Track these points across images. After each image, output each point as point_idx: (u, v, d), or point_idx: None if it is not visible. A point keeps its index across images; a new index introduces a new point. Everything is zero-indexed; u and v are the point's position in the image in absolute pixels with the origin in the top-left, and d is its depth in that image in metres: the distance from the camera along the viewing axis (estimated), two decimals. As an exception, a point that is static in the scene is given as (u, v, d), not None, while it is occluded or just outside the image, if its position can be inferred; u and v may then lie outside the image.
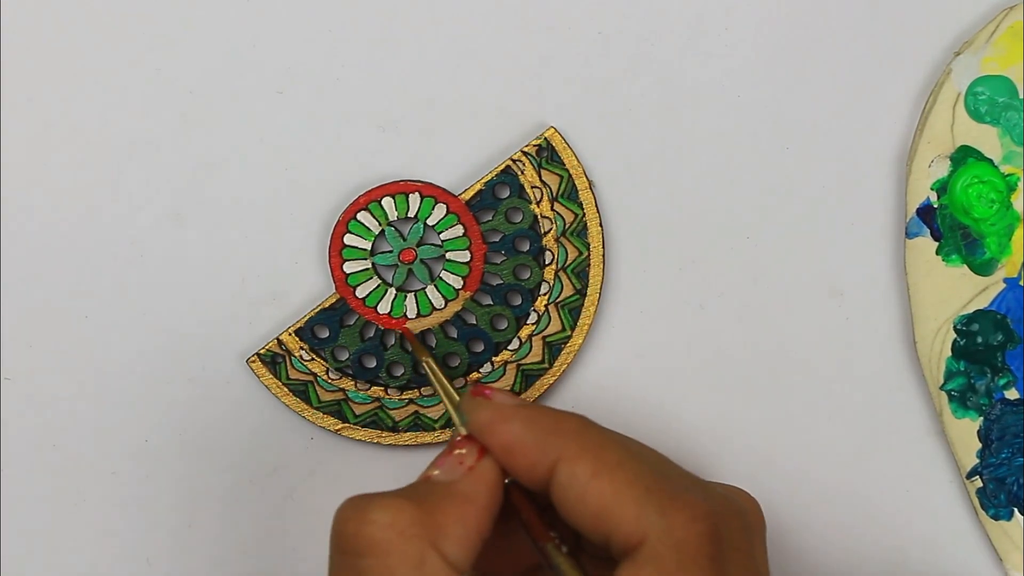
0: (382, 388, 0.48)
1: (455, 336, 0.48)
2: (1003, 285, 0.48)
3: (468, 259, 0.48)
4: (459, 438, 0.40)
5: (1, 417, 0.49)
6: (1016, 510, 0.48)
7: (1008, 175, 0.48)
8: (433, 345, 0.48)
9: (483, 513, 0.39)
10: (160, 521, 0.49)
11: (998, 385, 0.48)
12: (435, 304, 0.48)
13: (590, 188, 0.49)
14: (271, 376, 0.48)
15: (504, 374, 0.48)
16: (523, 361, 0.48)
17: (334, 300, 0.48)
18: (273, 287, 0.49)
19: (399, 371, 0.49)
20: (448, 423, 0.49)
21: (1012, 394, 0.48)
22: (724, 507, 0.39)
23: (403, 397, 0.48)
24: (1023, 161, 0.48)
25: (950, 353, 0.48)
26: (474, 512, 0.38)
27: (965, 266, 0.48)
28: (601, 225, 0.49)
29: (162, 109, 0.49)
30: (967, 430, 0.48)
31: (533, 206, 0.48)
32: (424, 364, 0.45)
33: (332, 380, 0.48)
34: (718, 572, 0.37)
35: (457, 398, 0.43)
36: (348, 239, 0.48)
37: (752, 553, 0.39)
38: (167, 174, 0.49)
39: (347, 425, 0.48)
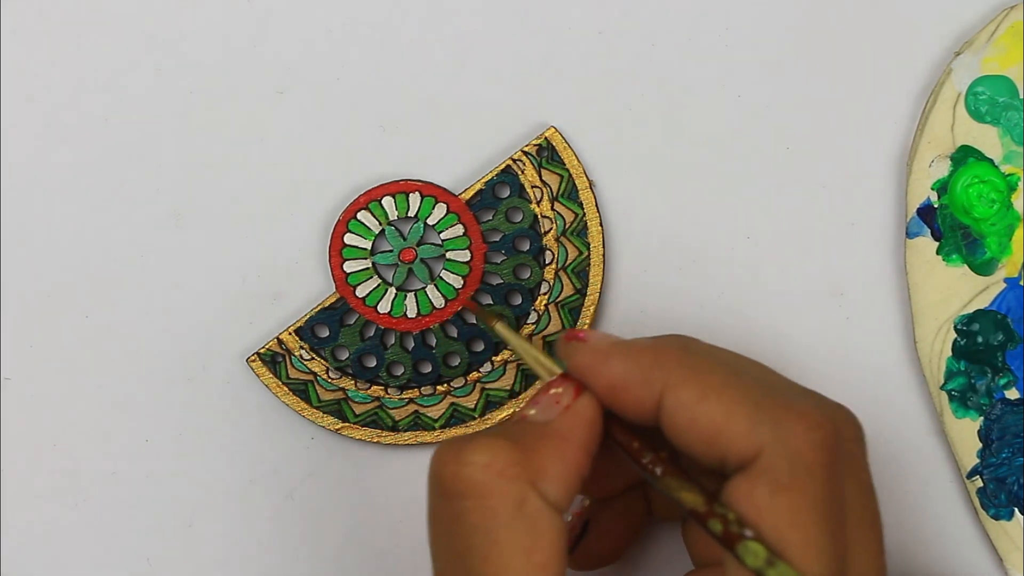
0: (382, 387, 0.48)
1: (455, 335, 0.48)
2: (1003, 285, 0.48)
3: (468, 259, 0.48)
4: (554, 378, 0.40)
5: (1, 417, 0.49)
6: (1017, 510, 0.48)
7: (1008, 175, 0.48)
8: (433, 344, 0.48)
9: (581, 452, 0.38)
10: (160, 521, 0.49)
11: (998, 385, 0.48)
12: (435, 303, 0.48)
13: (590, 188, 0.49)
14: (271, 375, 0.48)
15: (504, 373, 0.48)
16: (523, 361, 0.48)
17: (334, 299, 0.48)
18: (273, 287, 0.49)
19: (399, 370, 0.49)
20: (449, 422, 0.49)
21: (1012, 394, 0.48)
22: (838, 415, 0.38)
23: (403, 396, 0.48)
24: (1023, 161, 0.48)
25: (950, 353, 0.48)
26: (572, 451, 0.38)
27: (965, 266, 0.48)
28: (601, 225, 0.49)
29: (162, 109, 0.49)
30: (967, 430, 0.48)
31: (533, 206, 0.48)
32: (497, 330, 0.44)
33: (332, 379, 0.48)
34: (832, 480, 0.37)
35: (538, 353, 0.42)
36: (348, 238, 0.48)
37: (864, 463, 0.39)
38: (167, 174, 0.49)
39: (347, 424, 0.48)
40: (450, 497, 0.37)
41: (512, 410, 0.49)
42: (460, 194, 0.48)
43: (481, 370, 0.48)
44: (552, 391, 0.40)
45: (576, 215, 0.48)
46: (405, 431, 0.48)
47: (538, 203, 0.48)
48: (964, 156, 0.48)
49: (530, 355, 0.43)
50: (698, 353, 0.39)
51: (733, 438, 0.37)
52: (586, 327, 0.48)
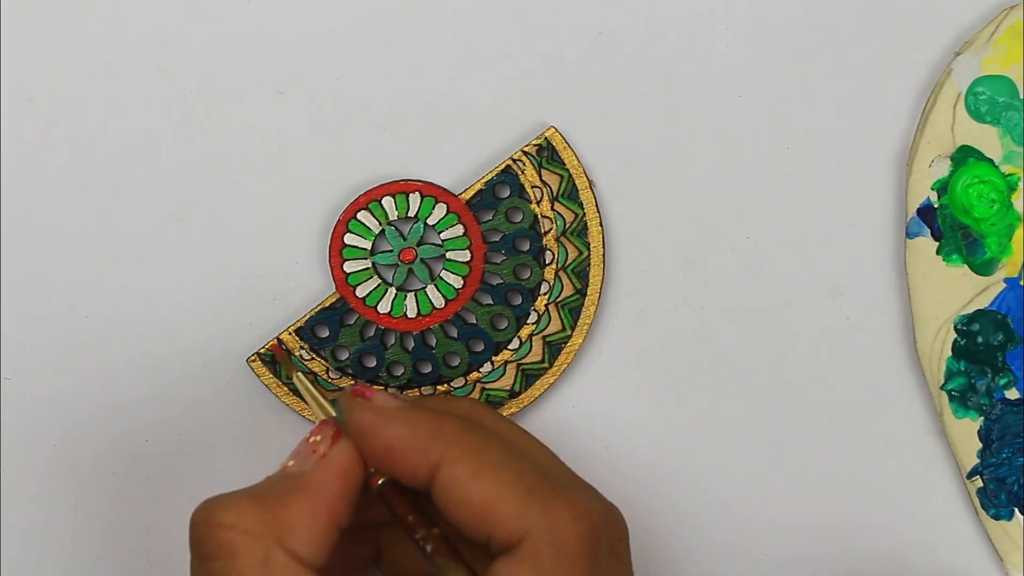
0: (382, 387, 0.48)
1: (455, 336, 0.48)
2: (1003, 285, 0.48)
3: (468, 259, 0.48)
4: (315, 425, 0.40)
5: (1, 417, 0.49)
6: (1016, 510, 0.48)
7: (1008, 175, 0.48)
8: (433, 345, 0.48)
9: (335, 503, 0.38)
10: (160, 521, 0.49)
11: (998, 385, 0.48)
12: (435, 304, 0.48)
13: (590, 188, 0.49)
14: (271, 375, 0.48)
15: (504, 373, 0.48)
16: (523, 361, 0.48)
17: (334, 300, 0.48)
18: (273, 287, 0.49)
19: (399, 370, 0.49)
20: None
21: (1012, 394, 0.48)
22: (606, 510, 0.39)
23: (403, 397, 0.48)
24: (1023, 161, 0.48)
25: (950, 353, 0.48)
26: (324, 503, 0.38)
27: (965, 266, 0.48)
28: (601, 225, 0.49)
29: (163, 109, 0.49)
30: (967, 430, 0.48)
31: (533, 206, 0.48)
32: (295, 379, 0.44)
33: (332, 379, 0.48)
34: (593, 571, 0.37)
35: (325, 404, 0.42)
36: (348, 239, 0.48)
37: (627, 561, 0.40)
38: (167, 174, 0.49)
39: (347, 425, 0.48)
40: (202, 558, 0.38)
41: (512, 410, 0.49)
42: (460, 194, 0.48)
43: (481, 370, 0.48)
44: (311, 439, 0.40)
45: (576, 215, 0.48)
46: (405, 431, 0.48)
47: (538, 203, 0.48)
48: (964, 156, 0.48)
49: (319, 406, 0.42)
50: (480, 429, 0.39)
51: (501, 519, 0.37)
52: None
